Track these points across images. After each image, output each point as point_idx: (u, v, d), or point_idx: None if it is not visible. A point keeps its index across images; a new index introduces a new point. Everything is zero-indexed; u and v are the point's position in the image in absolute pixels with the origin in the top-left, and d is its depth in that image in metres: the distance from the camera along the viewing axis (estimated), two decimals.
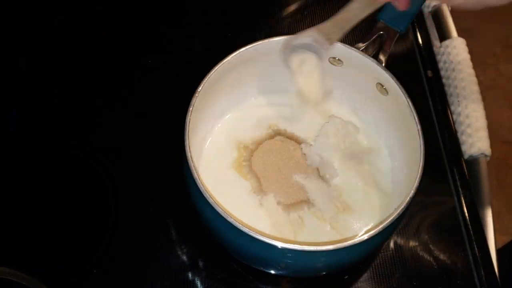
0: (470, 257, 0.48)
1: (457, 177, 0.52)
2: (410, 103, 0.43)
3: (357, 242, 0.37)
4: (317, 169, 0.48)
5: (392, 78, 0.44)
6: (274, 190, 0.46)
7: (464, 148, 0.54)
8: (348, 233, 0.45)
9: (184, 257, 0.47)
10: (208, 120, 0.49)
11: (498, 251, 0.49)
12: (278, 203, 0.46)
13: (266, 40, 0.45)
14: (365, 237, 0.37)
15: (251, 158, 0.48)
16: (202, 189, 0.38)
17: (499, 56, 1.44)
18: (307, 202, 0.46)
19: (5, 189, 0.51)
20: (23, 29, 0.62)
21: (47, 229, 0.49)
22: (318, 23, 0.44)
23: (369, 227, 0.46)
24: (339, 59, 0.48)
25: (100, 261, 0.47)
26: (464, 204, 0.51)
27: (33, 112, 0.56)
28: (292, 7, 0.64)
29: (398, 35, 0.47)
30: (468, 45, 0.60)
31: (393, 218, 0.38)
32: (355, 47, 0.46)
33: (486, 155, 0.53)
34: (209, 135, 0.50)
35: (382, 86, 0.46)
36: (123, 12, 0.64)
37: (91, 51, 0.60)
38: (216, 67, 0.44)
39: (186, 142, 0.40)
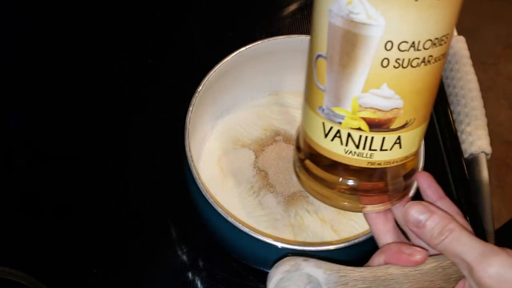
0: None
1: (457, 177, 0.52)
2: None
3: (357, 242, 0.37)
4: None
5: None
6: (276, 183, 0.46)
7: (464, 147, 0.54)
8: (348, 233, 0.45)
9: (184, 257, 0.47)
10: (208, 120, 0.49)
11: None
12: (278, 203, 0.46)
13: (266, 40, 0.45)
14: (365, 237, 0.37)
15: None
16: (202, 189, 0.38)
17: (499, 55, 1.44)
18: (307, 202, 0.46)
19: (5, 188, 0.51)
20: (23, 29, 0.62)
21: (47, 229, 0.49)
22: None
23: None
24: None
25: (100, 261, 0.47)
26: (464, 204, 0.51)
27: (33, 111, 0.56)
28: (292, 7, 0.64)
29: None
30: (468, 44, 0.60)
31: None
32: None
33: (486, 153, 0.53)
34: (209, 135, 0.50)
35: None
36: (123, 12, 0.64)
37: (91, 51, 0.60)
38: (216, 67, 0.44)
39: (186, 142, 0.40)
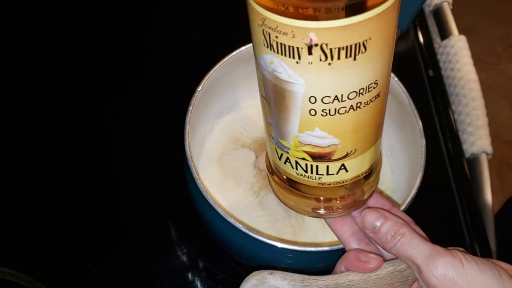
0: None
1: (458, 177, 0.52)
2: (411, 102, 0.43)
3: None
4: None
5: (393, 78, 0.44)
6: None
7: (465, 147, 0.54)
8: None
9: (184, 257, 0.47)
10: (208, 120, 0.49)
11: (498, 251, 0.49)
12: (279, 203, 0.46)
13: None
14: None
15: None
16: (202, 189, 0.38)
17: (500, 55, 1.44)
18: None
19: (4, 188, 0.51)
20: (23, 29, 0.62)
21: (47, 229, 0.49)
22: None
23: None
24: None
25: (100, 261, 0.47)
26: (465, 204, 0.50)
27: (33, 111, 0.56)
28: None
29: (399, 34, 0.47)
30: (469, 44, 0.60)
31: None
32: None
33: (487, 153, 0.53)
34: (209, 135, 0.50)
35: None
36: (122, 11, 0.64)
37: (91, 51, 0.60)
38: (216, 67, 0.44)
39: (186, 142, 0.40)
